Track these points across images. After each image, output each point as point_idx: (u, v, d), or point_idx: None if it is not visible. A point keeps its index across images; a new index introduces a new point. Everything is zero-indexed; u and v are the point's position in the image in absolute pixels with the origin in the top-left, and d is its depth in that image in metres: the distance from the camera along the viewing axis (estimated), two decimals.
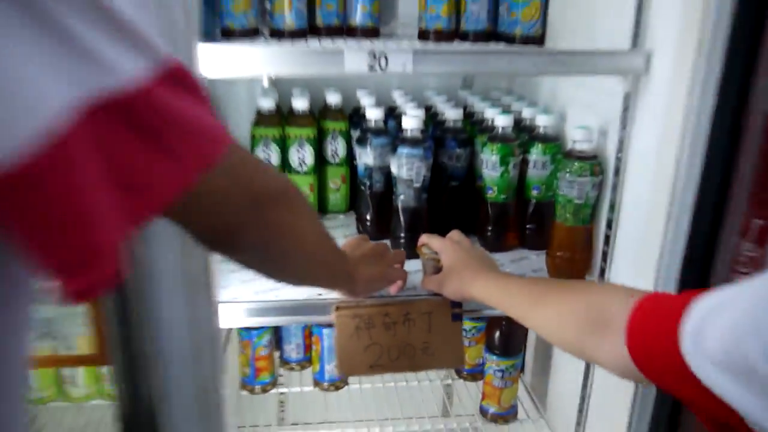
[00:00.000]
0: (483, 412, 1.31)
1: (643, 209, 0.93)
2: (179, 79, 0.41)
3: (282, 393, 1.45)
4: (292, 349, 1.41)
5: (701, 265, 0.82)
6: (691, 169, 0.81)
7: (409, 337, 0.96)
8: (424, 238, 1.02)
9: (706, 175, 0.80)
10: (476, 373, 1.42)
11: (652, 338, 0.60)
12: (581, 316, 0.71)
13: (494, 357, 1.25)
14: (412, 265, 1.04)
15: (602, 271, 1.05)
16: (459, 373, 1.45)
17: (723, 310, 0.52)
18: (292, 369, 1.43)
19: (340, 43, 1.13)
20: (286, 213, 0.61)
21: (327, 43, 1.13)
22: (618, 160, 0.99)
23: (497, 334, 1.24)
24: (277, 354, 1.42)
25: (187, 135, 0.41)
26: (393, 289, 0.97)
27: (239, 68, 0.82)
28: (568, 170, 1.04)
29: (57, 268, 0.36)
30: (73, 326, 0.83)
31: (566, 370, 1.28)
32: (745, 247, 0.75)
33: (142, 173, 0.39)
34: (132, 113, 0.37)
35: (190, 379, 0.81)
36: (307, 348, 1.41)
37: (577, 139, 1.03)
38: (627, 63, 0.90)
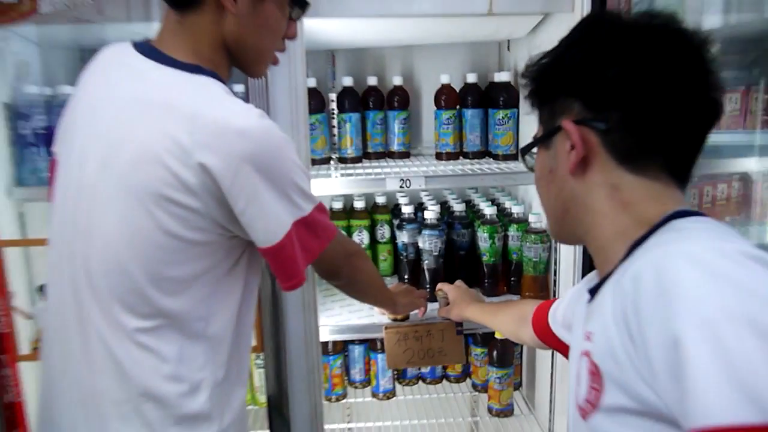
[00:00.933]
0: (489, 409, 1.89)
1: (567, 263, 1.55)
2: (320, 207, 1.06)
3: (349, 402, 2.05)
4: (356, 372, 2.02)
5: None
6: None
7: (430, 344, 1.58)
8: (439, 285, 1.66)
9: None
10: (486, 386, 1.99)
11: (540, 322, 1.22)
12: (515, 317, 1.33)
13: (494, 368, 1.84)
14: (433, 305, 1.67)
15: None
16: (475, 387, 2.03)
17: (562, 301, 1.15)
18: (356, 387, 2.03)
19: (384, 165, 1.80)
20: (361, 261, 1.27)
21: (375, 165, 1.81)
22: None
23: (495, 352, 1.83)
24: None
25: (324, 229, 1.06)
26: (420, 313, 1.60)
27: (332, 190, 1.49)
28: (528, 240, 1.66)
29: (283, 278, 1.02)
30: None
31: (543, 382, 1.85)
32: None
33: (310, 246, 1.04)
34: (307, 223, 1.02)
35: (303, 364, 1.45)
36: (367, 371, 2.02)
37: (532, 221, 1.66)
38: None
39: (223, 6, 0.99)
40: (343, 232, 1.89)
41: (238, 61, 1.06)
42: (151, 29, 1.46)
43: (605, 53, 0.80)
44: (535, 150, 0.93)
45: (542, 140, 0.89)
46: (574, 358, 0.87)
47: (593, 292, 0.85)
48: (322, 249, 1.06)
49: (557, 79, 0.85)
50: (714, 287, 0.61)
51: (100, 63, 1.06)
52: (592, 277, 0.99)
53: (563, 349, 1.17)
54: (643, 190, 0.80)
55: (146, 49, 1.01)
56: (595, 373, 0.73)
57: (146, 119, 0.94)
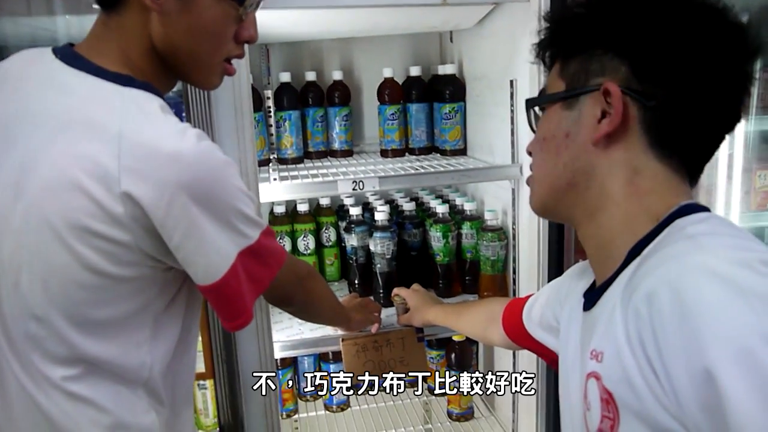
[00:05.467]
0: (449, 414, 1.82)
1: (528, 260, 1.50)
2: (268, 231, 0.93)
3: (300, 417, 1.94)
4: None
5: None
6: (545, 234, 1.38)
7: (391, 354, 1.49)
8: (395, 290, 1.57)
9: (552, 239, 1.37)
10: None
11: (512, 322, 1.15)
12: (482, 318, 1.26)
13: (453, 372, 1.77)
14: (390, 311, 1.58)
15: None
16: (432, 391, 1.96)
17: (538, 298, 1.08)
18: (307, 400, 1.92)
19: (327, 165, 1.70)
20: (312, 283, 1.17)
21: (318, 165, 1.70)
22: (513, 230, 1.56)
23: (453, 354, 1.77)
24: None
25: (273, 254, 0.94)
26: (373, 329, 1.50)
27: (277, 196, 1.38)
28: (484, 239, 1.60)
29: (227, 317, 0.90)
30: None
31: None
32: None
33: (258, 276, 0.91)
34: (254, 251, 0.88)
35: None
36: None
37: (487, 218, 1.60)
38: (509, 173, 1.48)
39: (145, 4, 0.83)
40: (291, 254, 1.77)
41: (175, 70, 0.91)
42: (54, 23, 1.30)
43: (674, 15, 0.70)
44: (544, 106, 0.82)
45: (566, 97, 0.77)
46: (573, 375, 0.80)
47: (590, 298, 0.78)
48: (272, 277, 0.94)
49: (604, 30, 0.74)
50: (742, 306, 0.55)
51: (12, 72, 0.89)
52: (580, 272, 0.92)
53: (539, 350, 1.11)
54: (663, 179, 0.74)
55: (68, 55, 0.86)
56: (609, 402, 0.66)
57: (64, 138, 0.79)
